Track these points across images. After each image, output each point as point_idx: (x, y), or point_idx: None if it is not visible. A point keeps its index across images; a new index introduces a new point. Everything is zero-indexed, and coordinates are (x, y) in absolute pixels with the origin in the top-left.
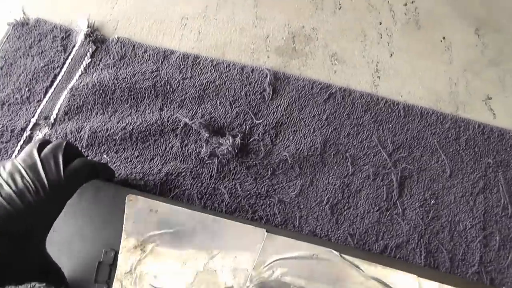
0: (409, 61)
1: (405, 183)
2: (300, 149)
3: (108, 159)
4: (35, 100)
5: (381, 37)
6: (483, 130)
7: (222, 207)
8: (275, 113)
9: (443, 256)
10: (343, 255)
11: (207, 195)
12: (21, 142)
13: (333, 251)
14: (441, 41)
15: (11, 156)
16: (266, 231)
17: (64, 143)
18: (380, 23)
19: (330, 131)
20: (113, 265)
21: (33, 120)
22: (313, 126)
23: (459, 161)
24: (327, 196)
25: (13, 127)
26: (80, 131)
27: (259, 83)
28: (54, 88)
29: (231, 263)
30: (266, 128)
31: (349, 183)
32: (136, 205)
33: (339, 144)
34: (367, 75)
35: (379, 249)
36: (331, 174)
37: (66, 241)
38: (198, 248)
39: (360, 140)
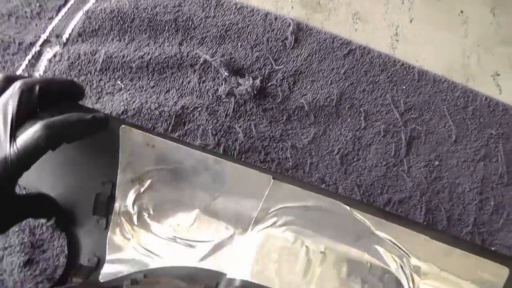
0: (427, 30)
1: (413, 143)
2: (316, 99)
3: (123, 85)
4: (47, 17)
5: (403, 3)
6: (489, 103)
7: (236, 145)
8: (295, 62)
9: (441, 214)
10: (353, 210)
11: (222, 132)
12: (29, 57)
13: (342, 204)
14: (458, 14)
15: (17, 69)
16: (273, 178)
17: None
18: None
19: (346, 85)
20: (111, 197)
21: (43, 36)
22: (330, 79)
23: (464, 129)
24: (338, 146)
25: (21, 40)
26: (95, 54)
27: (282, 31)
28: (68, 8)
29: (233, 207)
30: (285, 75)
31: (361, 137)
32: (131, 138)
33: (354, 99)
34: (387, 37)
35: (383, 202)
36: (344, 126)
37: (60, 173)
38: (198, 188)
39: (374, 97)
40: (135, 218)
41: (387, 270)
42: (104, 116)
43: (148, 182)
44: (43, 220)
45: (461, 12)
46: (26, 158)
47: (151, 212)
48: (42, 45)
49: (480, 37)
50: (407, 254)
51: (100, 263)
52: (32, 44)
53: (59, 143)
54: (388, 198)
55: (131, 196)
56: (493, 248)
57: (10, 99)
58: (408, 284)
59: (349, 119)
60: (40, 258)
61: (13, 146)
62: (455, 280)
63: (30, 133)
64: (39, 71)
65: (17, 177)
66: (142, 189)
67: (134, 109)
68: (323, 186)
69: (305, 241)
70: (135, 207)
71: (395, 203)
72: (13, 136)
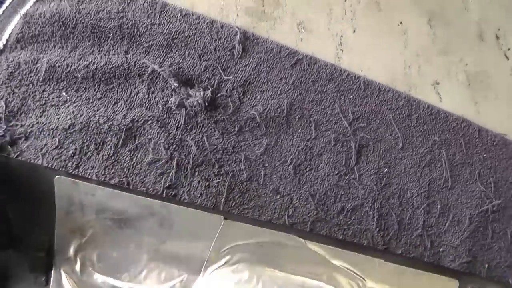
0: (370, 40)
1: (362, 151)
2: (267, 109)
3: (68, 97)
4: None
5: (345, 13)
6: (431, 110)
7: (189, 159)
8: (244, 72)
9: (393, 219)
10: (307, 242)
11: (174, 145)
12: None
13: (296, 237)
14: (398, 25)
15: None
16: (224, 218)
17: None
18: (345, 0)
19: (295, 95)
20: (49, 251)
21: None
22: (279, 89)
23: (410, 136)
24: (291, 157)
25: None
26: (36, 63)
27: (229, 39)
28: (3, 11)
29: (183, 249)
30: (235, 85)
31: (312, 146)
32: (67, 188)
33: (303, 109)
34: (331, 46)
35: (336, 210)
36: (295, 136)
37: None
38: (145, 234)
39: (323, 107)
40: (78, 270)
41: None
42: None
43: (90, 232)
44: None
45: (401, 23)
46: None
47: (96, 262)
48: None
49: (419, 47)
50: (362, 278)
51: None
52: None
53: None
54: (342, 206)
55: (72, 247)
56: (441, 249)
57: None
58: None
59: (299, 129)
60: None
61: None
62: None
63: None
64: None
65: None
66: (83, 240)
67: (81, 122)
68: (277, 197)
69: (261, 277)
70: (78, 259)
71: (348, 211)
72: None
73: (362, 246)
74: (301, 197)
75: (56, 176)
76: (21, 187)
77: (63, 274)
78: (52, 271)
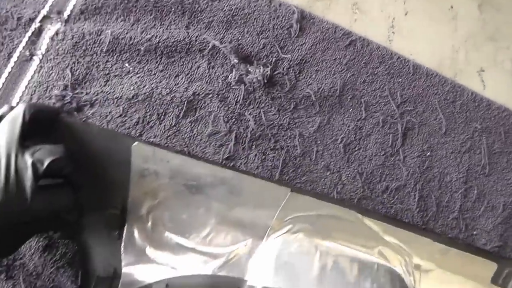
0: (421, 23)
1: (407, 134)
2: (321, 88)
3: (131, 68)
4: None
5: None
6: (474, 98)
7: (247, 133)
8: (300, 51)
9: (432, 201)
10: (364, 218)
11: (233, 119)
12: (29, 34)
13: (355, 212)
14: (449, 9)
15: (17, 46)
16: (291, 191)
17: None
18: None
19: (348, 76)
20: (123, 210)
21: (43, 12)
22: (333, 69)
23: (453, 122)
24: (342, 135)
25: (19, 15)
26: (100, 34)
27: (286, 18)
28: None
29: (250, 216)
30: (291, 63)
31: (361, 127)
32: (144, 154)
33: (355, 90)
34: (384, 29)
35: (381, 189)
36: (346, 116)
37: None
38: (214, 200)
39: (373, 89)
40: (149, 228)
41: (392, 270)
42: None
43: (162, 195)
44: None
45: (451, 7)
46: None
47: (167, 223)
48: (42, 21)
49: (468, 32)
50: (409, 254)
51: (116, 273)
52: (31, 20)
53: None
54: (386, 185)
55: (145, 207)
56: (474, 232)
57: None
58: (410, 280)
59: (351, 109)
60: (59, 242)
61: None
62: (451, 276)
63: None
64: (41, 49)
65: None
66: (156, 201)
67: (144, 93)
68: (327, 173)
69: (318, 246)
70: (149, 218)
71: (392, 190)
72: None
73: (411, 225)
74: (350, 175)
75: (134, 143)
76: (100, 151)
77: (135, 230)
78: (125, 227)
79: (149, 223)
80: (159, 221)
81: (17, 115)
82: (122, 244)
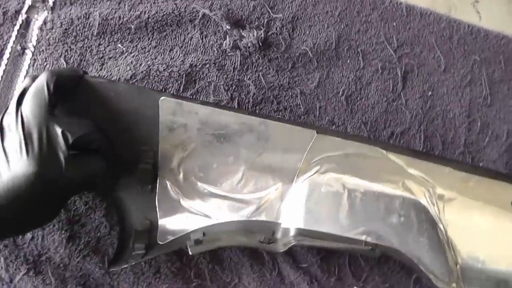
0: None
1: (407, 77)
2: (317, 44)
3: (124, 48)
4: None
5: None
6: (471, 30)
7: (249, 98)
8: (290, 8)
9: (437, 140)
10: (388, 153)
11: (233, 86)
12: (17, 27)
13: (379, 149)
14: None
15: (7, 42)
16: (317, 132)
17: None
18: None
19: (342, 27)
20: (154, 164)
21: (27, 2)
22: (326, 22)
23: (451, 58)
24: (342, 88)
25: (4, 9)
26: (88, 17)
27: None
28: None
29: (278, 160)
30: (283, 22)
31: (361, 76)
32: (172, 108)
33: (351, 40)
34: None
35: (387, 135)
36: (344, 68)
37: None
38: (242, 147)
39: (369, 37)
40: (181, 179)
41: (417, 201)
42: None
43: (192, 146)
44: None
45: None
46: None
47: (198, 173)
48: (28, 12)
49: None
50: (433, 185)
51: (152, 225)
52: (17, 12)
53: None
54: (391, 131)
55: (175, 160)
56: (481, 164)
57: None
58: (434, 210)
59: (348, 61)
60: (81, 232)
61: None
62: (472, 203)
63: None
64: (32, 41)
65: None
66: (186, 153)
67: (142, 72)
68: (333, 127)
69: (346, 185)
70: (181, 170)
71: (397, 135)
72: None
73: (434, 156)
74: (355, 126)
75: (162, 97)
76: (128, 108)
77: (168, 183)
78: (158, 181)
79: (181, 175)
80: (190, 173)
81: (41, 85)
82: (156, 197)
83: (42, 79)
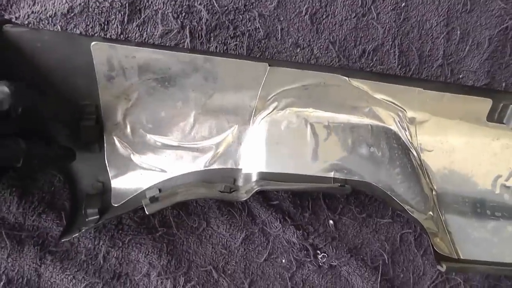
0: None
1: None
2: None
3: None
4: None
5: None
6: None
7: (202, 25)
8: None
9: (413, 54)
10: (351, 79)
11: (183, 13)
12: None
13: (340, 76)
14: None
15: None
16: (269, 65)
17: None
18: None
19: None
20: (97, 119)
21: None
22: None
23: None
24: (305, 6)
25: None
26: None
27: None
28: None
29: (231, 100)
30: None
31: None
32: (106, 53)
33: None
34: None
35: (357, 54)
36: None
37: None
38: (190, 90)
39: None
40: (129, 133)
41: (387, 128)
42: None
43: (135, 95)
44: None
45: None
46: None
47: (146, 124)
48: None
49: None
50: (402, 109)
51: (105, 187)
52: None
53: None
54: (363, 49)
55: (120, 112)
56: (461, 76)
57: None
58: (406, 135)
59: None
60: (33, 187)
61: None
62: (446, 122)
63: None
64: None
65: None
66: (130, 104)
67: (80, 4)
68: (298, 50)
69: (308, 119)
70: (127, 123)
71: (369, 52)
72: None
73: (402, 77)
74: (321, 46)
75: (93, 43)
76: (58, 58)
77: (115, 139)
78: (104, 138)
79: (128, 129)
80: (137, 125)
81: None
82: (105, 156)
83: None
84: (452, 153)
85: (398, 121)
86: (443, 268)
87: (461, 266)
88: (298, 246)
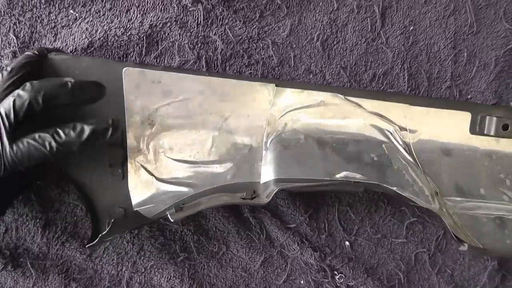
0: None
1: (386, 13)
2: None
3: (77, 14)
4: None
5: None
6: None
7: (217, 55)
8: None
9: (422, 77)
10: (347, 97)
11: (199, 44)
12: None
13: (338, 94)
14: None
15: None
16: (276, 86)
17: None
18: None
19: None
20: (123, 145)
21: None
22: None
23: None
24: (317, 33)
25: None
26: None
27: None
28: None
29: (244, 122)
30: None
31: (335, 18)
32: (136, 79)
33: None
34: None
35: (368, 78)
36: (317, 11)
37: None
38: (208, 113)
39: None
40: (152, 159)
41: (383, 140)
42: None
43: (159, 119)
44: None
45: None
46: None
47: (167, 149)
48: None
49: None
50: (394, 123)
51: (127, 213)
52: None
53: None
54: (373, 73)
55: (143, 138)
56: (469, 96)
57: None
58: (402, 145)
59: (321, 3)
60: (57, 217)
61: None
62: (436, 134)
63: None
64: None
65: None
66: (153, 129)
67: (99, 39)
68: (310, 76)
69: (314, 135)
70: (150, 148)
71: (379, 76)
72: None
73: (390, 93)
74: (333, 72)
75: (124, 68)
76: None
77: (138, 164)
78: (128, 163)
79: (151, 154)
80: (160, 149)
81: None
82: (129, 185)
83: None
84: (445, 162)
85: (393, 133)
86: (465, 247)
87: (482, 249)
88: (316, 267)
